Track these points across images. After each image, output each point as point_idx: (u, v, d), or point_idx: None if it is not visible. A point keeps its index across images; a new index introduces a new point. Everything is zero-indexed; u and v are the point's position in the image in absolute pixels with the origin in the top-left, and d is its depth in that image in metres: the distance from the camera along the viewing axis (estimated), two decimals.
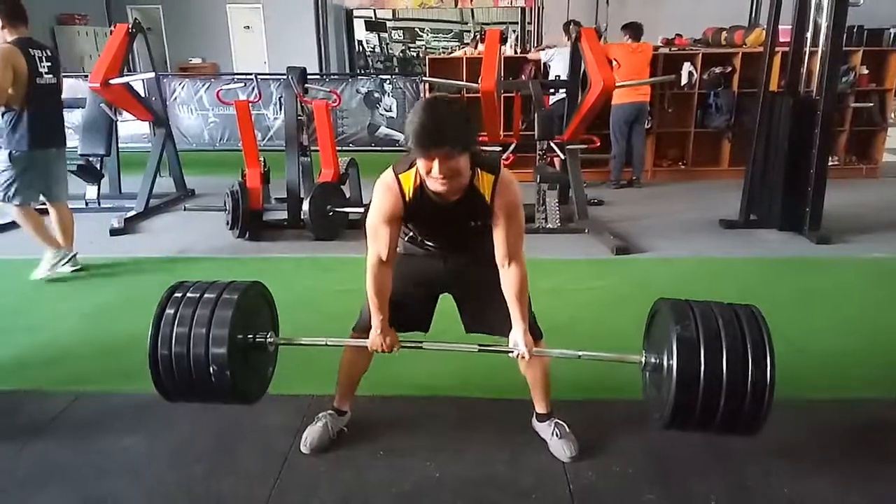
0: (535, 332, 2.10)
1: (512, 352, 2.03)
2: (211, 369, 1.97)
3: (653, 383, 2.08)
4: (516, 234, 1.97)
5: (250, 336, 2.12)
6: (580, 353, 2.10)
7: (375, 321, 2.06)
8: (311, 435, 2.24)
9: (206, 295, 2.06)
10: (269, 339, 2.19)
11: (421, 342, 2.17)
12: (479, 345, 2.13)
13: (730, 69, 6.81)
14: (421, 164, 1.81)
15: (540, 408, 2.28)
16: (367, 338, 2.10)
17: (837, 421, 2.44)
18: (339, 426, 2.30)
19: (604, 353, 2.17)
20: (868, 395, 2.62)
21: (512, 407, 2.42)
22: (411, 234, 2.14)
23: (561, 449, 2.19)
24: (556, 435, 2.22)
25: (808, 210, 4.65)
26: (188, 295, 2.07)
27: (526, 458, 2.21)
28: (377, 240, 1.99)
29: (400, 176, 1.93)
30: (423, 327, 2.24)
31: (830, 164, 4.95)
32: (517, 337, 2.01)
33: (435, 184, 1.83)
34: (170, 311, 2.03)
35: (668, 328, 1.91)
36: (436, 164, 1.77)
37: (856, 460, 2.21)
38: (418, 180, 1.90)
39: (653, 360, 2.04)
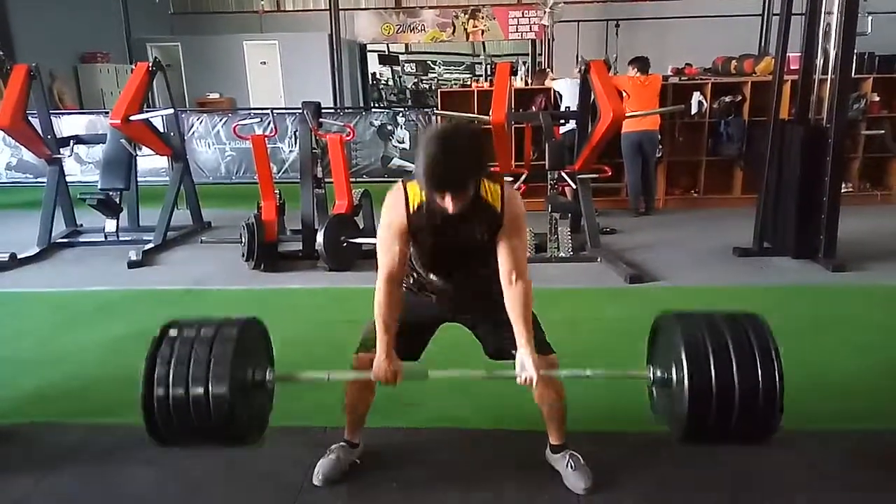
0: (545, 348, 2.09)
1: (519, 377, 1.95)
2: (210, 410, 1.88)
3: (662, 398, 2.05)
4: (523, 248, 2.00)
5: (249, 373, 2.03)
6: (588, 371, 2.08)
7: (381, 345, 1.99)
8: (323, 467, 2.24)
9: (202, 332, 1.98)
10: (268, 377, 2.11)
11: (427, 370, 2.11)
12: (486, 371, 2.08)
13: (740, 98, 6.84)
14: (433, 195, 1.84)
15: (554, 439, 2.26)
16: (370, 366, 2.04)
17: (856, 454, 2.40)
18: (352, 458, 2.29)
19: (611, 370, 2.19)
20: (887, 427, 2.57)
21: (526, 438, 2.41)
22: (415, 272, 2.13)
23: (575, 481, 2.17)
24: (571, 467, 2.20)
25: (823, 237, 4.62)
26: (183, 333, 1.98)
27: (540, 490, 2.19)
28: (386, 253, 1.99)
29: (407, 185, 1.96)
30: (414, 356, 2.19)
31: (844, 191, 4.94)
32: (525, 360, 1.94)
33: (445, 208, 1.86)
34: (165, 349, 1.94)
35: (676, 341, 1.89)
36: (447, 199, 1.80)
37: (874, 494, 2.18)
38: (425, 195, 1.91)
39: (660, 374, 2.01)
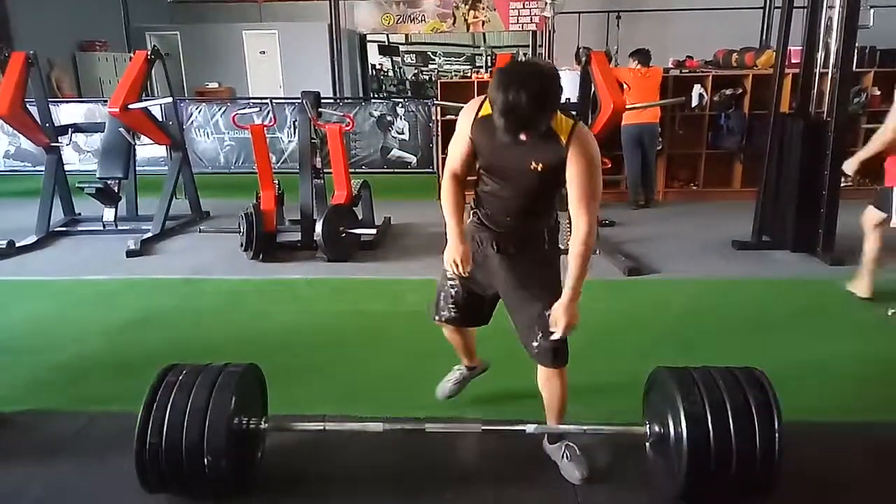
0: (563, 356, 2.13)
1: (524, 430, 2.13)
2: (205, 459, 1.90)
3: (659, 454, 2.09)
4: (592, 186, 2.01)
5: (244, 422, 2.05)
6: (585, 427, 2.20)
7: (453, 234, 2.12)
8: (445, 387, 2.60)
9: (200, 379, 2.00)
10: (262, 426, 2.14)
11: (424, 423, 2.23)
12: (483, 424, 2.19)
13: (741, 91, 6.82)
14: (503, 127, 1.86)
15: None
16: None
17: (854, 445, 2.42)
18: (473, 376, 2.64)
19: (607, 426, 2.28)
20: (886, 418, 2.58)
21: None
22: (486, 187, 2.15)
23: (571, 471, 2.19)
24: (567, 457, 2.21)
25: (821, 231, 4.63)
26: (181, 380, 2.01)
27: (536, 480, 2.20)
28: (452, 152, 2.15)
29: (487, 99, 1.96)
30: (486, 321, 2.38)
31: (843, 185, 4.93)
32: (558, 306, 2.03)
33: None
34: (162, 396, 1.97)
35: (673, 399, 1.93)
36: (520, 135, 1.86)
37: (874, 485, 2.19)
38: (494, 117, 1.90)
39: (657, 430, 2.05)
